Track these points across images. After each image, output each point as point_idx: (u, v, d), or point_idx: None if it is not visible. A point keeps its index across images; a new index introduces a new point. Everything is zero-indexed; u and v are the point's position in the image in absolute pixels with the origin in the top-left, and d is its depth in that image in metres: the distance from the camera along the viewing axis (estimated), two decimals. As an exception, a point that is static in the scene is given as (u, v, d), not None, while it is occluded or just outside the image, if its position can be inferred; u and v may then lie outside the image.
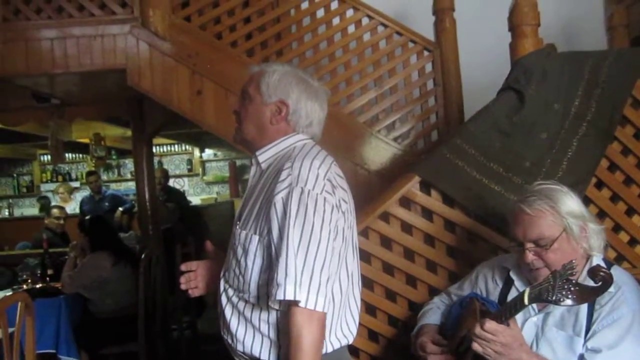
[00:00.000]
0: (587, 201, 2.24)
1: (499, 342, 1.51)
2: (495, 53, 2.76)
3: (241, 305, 1.54)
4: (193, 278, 1.79)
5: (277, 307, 1.45)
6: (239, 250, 1.54)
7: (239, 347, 1.55)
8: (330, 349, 1.52)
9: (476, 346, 1.54)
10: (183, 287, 1.78)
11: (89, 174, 7.20)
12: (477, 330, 1.52)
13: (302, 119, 1.61)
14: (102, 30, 3.33)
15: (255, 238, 1.50)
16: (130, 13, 3.34)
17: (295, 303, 1.38)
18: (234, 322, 1.55)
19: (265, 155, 1.62)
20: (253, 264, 1.50)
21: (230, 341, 1.58)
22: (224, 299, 1.59)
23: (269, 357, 1.51)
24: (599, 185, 2.28)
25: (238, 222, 1.58)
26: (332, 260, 1.44)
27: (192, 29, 3.37)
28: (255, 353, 1.52)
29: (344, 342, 1.57)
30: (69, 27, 3.32)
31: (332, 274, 1.46)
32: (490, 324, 1.51)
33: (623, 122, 2.28)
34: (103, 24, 3.33)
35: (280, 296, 1.38)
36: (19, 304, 2.55)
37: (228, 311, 1.57)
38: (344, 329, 1.56)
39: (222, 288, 1.60)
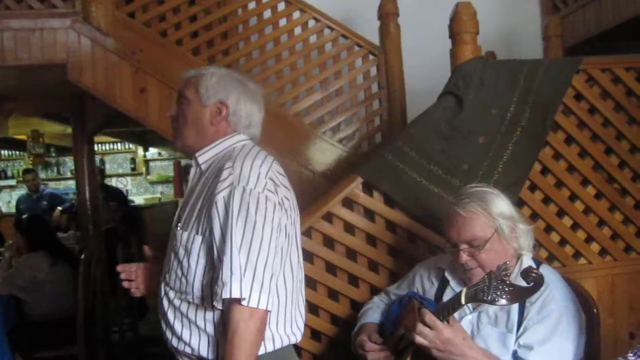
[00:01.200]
0: (521, 203, 2.34)
1: (439, 339, 1.54)
2: (438, 58, 2.83)
3: (184, 307, 1.53)
4: (134, 278, 1.78)
5: (220, 306, 1.44)
6: (181, 252, 1.53)
7: (187, 349, 1.54)
8: (278, 346, 1.53)
9: (419, 339, 1.57)
10: (126, 285, 1.76)
11: (26, 171, 6.94)
12: (419, 326, 1.56)
13: (242, 119, 1.63)
14: (42, 24, 3.22)
15: (198, 238, 1.49)
16: (72, 7, 3.24)
17: (237, 301, 1.39)
18: (177, 325, 1.54)
19: (205, 157, 1.62)
20: (197, 265, 1.49)
21: (175, 344, 1.56)
22: (165, 303, 1.57)
23: (217, 356, 1.50)
24: (532, 188, 2.38)
25: (179, 224, 1.58)
26: (275, 258, 1.46)
27: (137, 25, 3.31)
28: (204, 354, 1.51)
29: (292, 340, 1.58)
30: (6, 19, 3.18)
31: (276, 272, 1.47)
32: (430, 316, 1.55)
33: (555, 128, 2.40)
34: (43, 17, 3.21)
35: (226, 294, 1.38)
36: (-51, 306, 2.45)
37: (170, 314, 1.56)
38: (292, 326, 1.58)
39: (162, 292, 1.59)
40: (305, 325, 2.24)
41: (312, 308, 2.30)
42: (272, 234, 1.45)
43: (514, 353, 1.64)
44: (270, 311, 1.44)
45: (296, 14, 3.47)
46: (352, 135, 3.47)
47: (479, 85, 2.35)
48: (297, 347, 2.27)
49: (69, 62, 3.24)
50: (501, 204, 1.75)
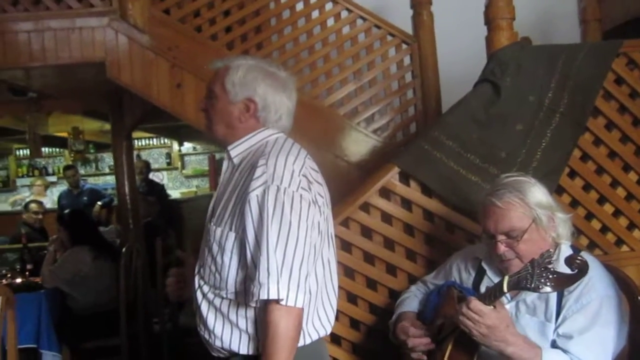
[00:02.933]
0: (560, 190, 2.32)
1: (484, 324, 1.53)
2: (472, 46, 2.81)
3: (217, 301, 1.53)
4: (173, 283, 1.78)
5: (254, 305, 1.45)
6: (215, 248, 1.53)
7: (217, 343, 1.54)
8: (308, 341, 1.54)
9: (462, 327, 1.56)
10: (169, 289, 1.78)
11: (67, 168, 7.13)
12: (464, 309, 1.55)
13: (271, 114, 1.59)
14: (80, 23, 3.30)
15: (232, 235, 1.49)
16: (109, 5, 3.31)
17: (275, 301, 1.39)
18: (210, 318, 1.54)
19: (237, 150, 1.61)
20: (230, 261, 1.49)
21: (207, 337, 1.57)
22: (199, 296, 1.58)
23: (247, 351, 1.51)
24: (572, 174, 2.35)
25: (212, 219, 1.57)
26: (309, 256, 1.46)
27: (172, 21, 3.37)
28: (234, 348, 1.52)
29: (322, 333, 1.59)
30: (46, 20, 3.29)
31: (311, 270, 1.48)
32: (475, 303, 1.54)
33: (595, 114, 2.35)
34: (81, 16, 3.30)
35: (264, 295, 1.38)
36: (0, 297, 2.55)
37: (204, 308, 1.56)
38: (322, 320, 1.58)
39: (196, 285, 1.59)
40: (344, 314, 2.30)
41: (350, 297, 2.31)
42: (307, 233, 1.45)
43: (553, 342, 1.63)
44: (303, 308, 1.44)
45: (329, 6, 3.47)
46: (386, 126, 3.47)
47: (516, 71, 2.32)
48: (337, 336, 2.31)
49: (107, 60, 3.31)
50: (538, 193, 1.73)
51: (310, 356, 1.54)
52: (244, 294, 1.47)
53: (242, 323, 1.50)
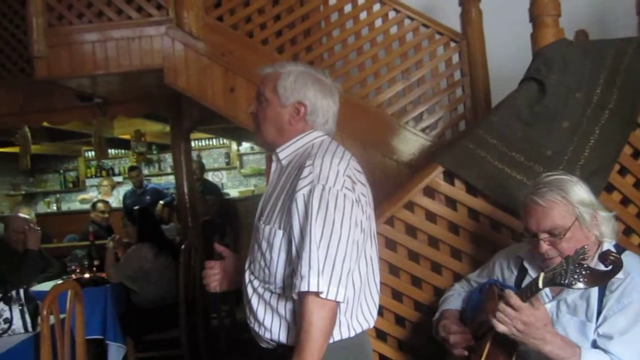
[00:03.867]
0: (610, 188, 2.28)
1: (520, 320, 1.52)
2: (522, 42, 2.77)
3: (267, 295, 1.61)
4: (211, 275, 1.83)
5: (296, 296, 1.52)
6: (264, 244, 1.61)
7: (267, 335, 1.62)
8: (352, 334, 1.61)
9: (498, 324, 1.55)
10: (206, 280, 1.84)
11: (131, 169, 7.47)
12: (501, 306, 1.55)
13: (319, 118, 1.68)
14: (140, 32, 3.49)
15: (280, 232, 1.57)
16: (166, 15, 3.48)
17: (314, 293, 1.46)
18: (260, 311, 1.62)
19: (285, 152, 1.69)
20: (278, 257, 1.57)
21: (257, 329, 1.64)
22: (249, 290, 1.66)
23: (294, 342, 1.55)
24: (623, 171, 2.30)
25: (261, 217, 1.65)
26: (352, 253, 1.52)
27: (225, 28, 3.50)
28: (282, 339, 1.60)
29: (365, 326, 1.65)
30: (108, 30, 3.49)
31: (352, 266, 1.54)
32: (515, 300, 1.53)
33: (646, 109, 2.30)
34: (140, 26, 3.49)
35: (304, 287, 1.45)
36: (69, 291, 2.74)
37: (254, 301, 1.64)
38: (365, 314, 1.64)
39: (247, 280, 1.67)
40: (390, 311, 2.34)
41: (396, 294, 2.36)
42: (350, 231, 1.51)
43: (593, 342, 1.62)
44: (341, 302, 1.51)
45: (376, 7, 3.51)
46: (435, 124, 3.48)
47: (562, 68, 2.30)
48: (382, 333, 2.36)
49: (164, 67, 3.49)
50: (580, 192, 1.72)
51: (354, 348, 1.62)
52: (290, 289, 1.54)
53: (289, 316, 1.58)
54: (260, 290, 1.63)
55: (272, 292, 1.61)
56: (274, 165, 1.73)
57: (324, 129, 1.71)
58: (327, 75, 1.76)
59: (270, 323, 1.61)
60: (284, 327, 1.59)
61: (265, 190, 1.74)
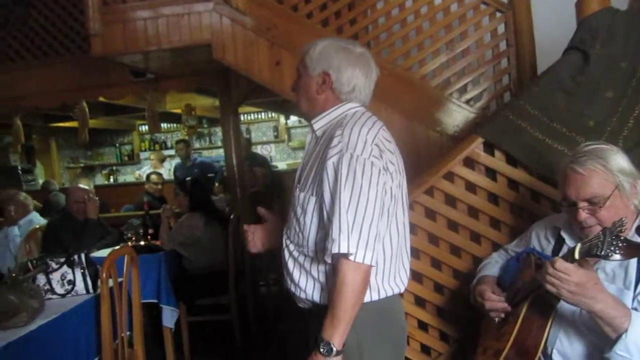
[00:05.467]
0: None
1: (572, 281, 1.51)
2: (568, 12, 2.74)
3: (301, 258, 1.71)
4: (251, 238, 1.93)
5: (330, 260, 1.59)
6: (299, 210, 1.69)
7: (302, 295, 1.72)
8: (383, 295, 1.69)
9: (549, 287, 1.55)
10: (248, 239, 1.93)
11: (178, 142, 7.69)
12: (550, 270, 1.54)
13: (344, 86, 1.73)
14: (189, 9, 3.58)
15: (313, 199, 1.65)
16: (214, -9, 3.57)
17: (345, 255, 1.54)
18: (296, 273, 1.72)
19: (319, 124, 1.77)
20: (311, 222, 1.66)
21: (293, 289, 1.75)
22: (286, 253, 1.75)
23: (327, 301, 1.64)
24: (668, 143, 2.27)
25: (298, 185, 1.74)
26: (380, 218, 1.59)
27: (270, 2, 3.55)
28: (316, 299, 1.69)
29: (397, 291, 1.72)
30: (159, 8, 3.60)
31: (381, 231, 1.61)
32: (561, 263, 1.52)
33: (695, 79, 2.25)
34: (189, 2, 3.57)
35: (335, 250, 1.53)
36: (125, 257, 2.91)
37: (290, 264, 1.74)
38: (396, 279, 1.72)
39: (284, 244, 1.77)
40: (429, 278, 2.41)
41: (435, 263, 2.42)
42: (377, 197, 1.58)
43: (634, 309, 1.62)
44: (373, 266, 1.58)
45: (421, -22, 3.49)
46: (479, 96, 3.46)
47: (607, 38, 2.27)
48: (422, 299, 2.43)
49: (213, 42, 3.57)
50: (620, 160, 1.72)
51: (384, 310, 1.70)
52: (322, 252, 1.62)
53: (322, 277, 1.67)
54: (295, 253, 1.72)
55: (305, 255, 1.70)
56: (309, 136, 1.81)
57: (354, 99, 1.76)
58: (358, 45, 1.80)
59: (305, 284, 1.70)
60: (318, 287, 1.68)
61: (302, 160, 1.82)
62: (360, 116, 1.70)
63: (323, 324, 1.56)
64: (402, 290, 1.75)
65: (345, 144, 1.60)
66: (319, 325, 1.58)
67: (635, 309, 1.63)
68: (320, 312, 1.62)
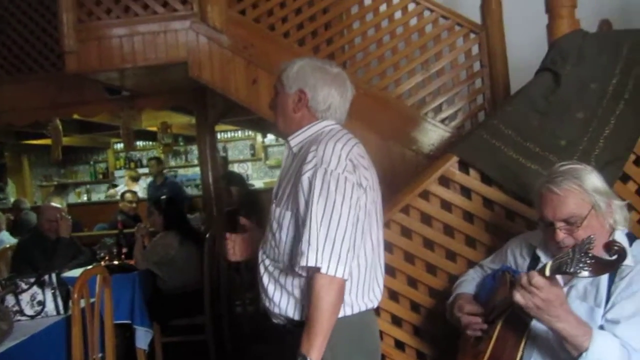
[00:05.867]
0: (625, 177, 2.29)
1: (541, 297, 1.53)
2: (541, 34, 2.80)
3: (276, 273, 1.74)
4: (231, 246, 1.97)
5: (303, 273, 1.63)
6: (274, 225, 1.73)
7: (276, 310, 1.75)
8: (357, 310, 1.71)
9: (518, 297, 1.57)
10: (227, 248, 1.97)
11: (150, 159, 7.62)
12: (524, 282, 1.55)
13: (320, 105, 1.78)
14: (165, 27, 3.57)
15: (288, 214, 1.69)
16: (190, 9, 3.56)
17: (317, 269, 1.57)
18: (270, 287, 1.75)
19: (295, 140, 1.80)
20: (286, 237, 1.69)
21: (267, 304, 1.77)
22: (261, 268, 1.78)
23: (301, 317, 1.70)
24: (638, 162, 2.31)
25: (274, 200, 1.77)
26: (352, 233, 1.62)
27: (247, 21, 3.57)
28: (289, 314, 1.72)
29: (370, 306, 1.75)
30: (135, 25, 3.59)
31: (353, 245, 1.63)
32: (538, 279, 1.54)
33: (662, 100, 2.31)
34: (166, 20, 3.57)
35: (302, 263, 1.57)
36: (98, 276, 2.86)
37: (266, 278, 1.77)
38: (370, 294, 1.75)
39: (260, 259, 1.80)
40: (405, 297, 2.41)
41: (410, 282, 2.42)
42: (350, 211, 1.61)
43: (601, 328, 1.64)
44: (347, 280, 1.61)
45: (396, -1, 3.55)
46: (454, 115, 3.51)
47: (577, 59, 2.32)
48: (398, 318, 2.42)
49: (189, 60, 3.57)
50: (595, 180, 1.74)
51: (358, 325, 1.72)
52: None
53: (296, 292, 1.70)
54: (271, 268, 1.75)
55: (280, 270, 1.73)
56: (286, 152, 1.85)
57: (329, 117, 1.80)
58: (334, 65, 1.85)
59: (279, 299, 1.73)
60: (292, 302, 1.71)
61: (278, 176, 1.85)
62: (335, 133, 1.73)
63: (300, 339, 1.58)
64: (375, 306, 1.78)
65: (319, 159, 1.64)
66: (294, 341, 1.60)
67: (602, 327, 1.64)
68: (294, 329, 1.66)
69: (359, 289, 1.70)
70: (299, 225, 1.64)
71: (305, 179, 1.64)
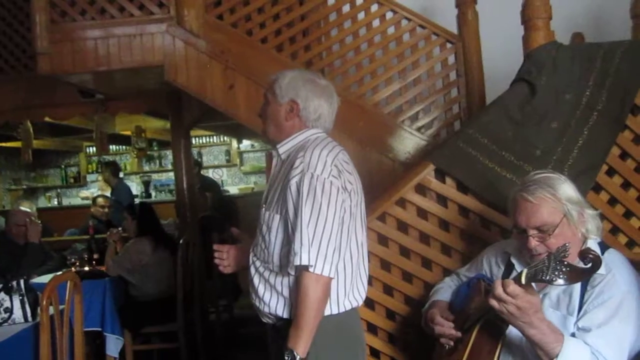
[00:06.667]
0: (598, 188, 2.33)
1: (516, 305, 1.54)
2: (517, 44, 2.82)
3: (267, 273, 1.83)
4: (225, 258, 2.05)
5: (293, 272, 1.73)
6: (264, 228, 1.83)
7: (266, 309, 1.84)
8: (342, 309, 1.80)
9: (493, 302, 1.58)
10: (217, 262, 2.04)
11: (105, 164, 7.50)
12: (498, 290, 1.56)
13: (311, 114, 1.89)
14: (141, 30, 3.53)
15: (277, 217, 1.79)
16: (167, 13, 3.53)
17: (305, 268, 1.67)
18: (261, 288, 1.84)
19: (284, 148, 1.90)
20: (275, 239, 1.79)
21: (258, 304, 1.86)
22: (252, 270, 1.88)
23: (289, 315, 1.78)
24: (611, 172, 2.35)
25: (264, 205, 1.88)
26: (338, 234, 1.71)
27: (225, 26, 3.55)
28: (279, 313, 1.81)
29: (355, 305, 1.85)
30: (111, 28, 3.54)
31: (339, 246, 1.73)
32: (513, 287, 1.55)
33: (635, 111, 2.35)
34: (142, 23, 3.53)
35: (297, 262, 1.67)
36: (68, 282, 2.79)
37: (256, 279, 1.86)
38: (355, 294, 1.84)
39: (251, 261, 1.89)
40: (381, 305, 2.40)
41: (386, 289, 2.41)
42: (335, 214, 1.71)
43: (572, 335, 1.66)
44: (332, 278, 1.70)
45: (374, 7, 3.56)
46: (430, 124, 3.53)
47: (552, 70, 2.35)
48: (373, 326, 2.42)
49: (165, 63, 3.53)
50: (568, 189, 1.77)
51: (344, 323, 1.82)
52: (286, 266, 1.75)
53: (285, 291, 1.79)
54: (261, 269, 1.85)
55: (270, 271, 1.82)
56: (274, 159, 1.94)
57: (318, 126, 1.91)
58: (323, 77, 1.99)
59: (269, 298, 1.82)
60: (281, 302, 1.80)
61: (268, 182, 1.96)
62: (321, 141, 1.84)
63: (288, 334, 1.68)
64: (359, 305, 1.88)
65: (306, 165, 1.74)
66: (282, 338, 1.71)
67: (573, 335, 1.66)
68: (282, 326, 1.77)
69: (345, 288, 1.79)
70: (288, 228, 1.74)
71: (293, 183, 1.73)
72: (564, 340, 1.59)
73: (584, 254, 1.52)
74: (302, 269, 1.68)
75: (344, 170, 1.78)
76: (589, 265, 1.51)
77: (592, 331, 1.62)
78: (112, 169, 7.03)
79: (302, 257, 1.66)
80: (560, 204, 1.74)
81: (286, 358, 1.67)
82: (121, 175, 9.77)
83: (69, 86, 4.40)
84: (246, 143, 10.01)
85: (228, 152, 10.13)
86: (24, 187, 10.05)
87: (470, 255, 2.33)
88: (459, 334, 1.87)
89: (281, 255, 1.78)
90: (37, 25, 3.51)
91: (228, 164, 10.13)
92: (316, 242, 1.67)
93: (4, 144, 7.65)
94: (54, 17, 3.54)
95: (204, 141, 10.00)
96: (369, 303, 2.40)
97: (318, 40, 3.62)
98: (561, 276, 1.48)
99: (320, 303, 1.69)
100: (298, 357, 1.66)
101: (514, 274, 1.88)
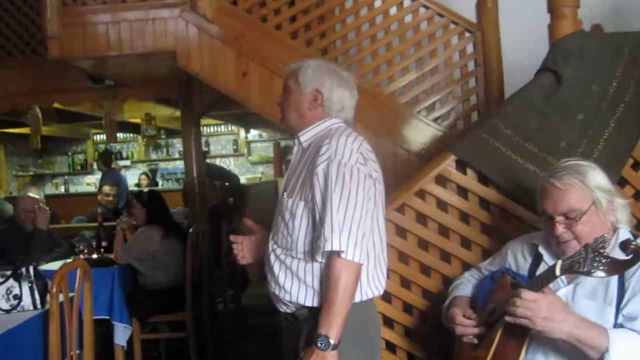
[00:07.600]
0: (623, 182, 2.27)
1: (543, 307, 1.52)
2: (537, 34, 2.76)
3: (288, 260, 1.81)
4: (240, 249, 2.04)
5: (320, 259, 1.73)
6: (287, 215, 1.82)
7: (287, 297, 1.82)
8: (365, 298, 1.81)
9: (524, 321, 1.54)
10: (235, 252, 2.04)
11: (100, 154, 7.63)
12: (518, 302, 1.54)
13: (334, 105, 1.89)
14: (154, 14, 3.48)
15: (302, 204, 1.79)
16: (181, -3, 3.47)
17: (337, 254, 1.67)
18: (282, 276, 1.82)
19: (306, 136, 1.90)
20: (300, 225, 1.79)
21: (277, 292, 1.84)
22: (272, 257, 1.86)
23: (312, 303, 1.78)
24: (636, 166, 2.29)
25: (285, 192, 1.87)
26: (366, 220, 1.73)
27: (239, 12, 3.49)
28: (300, 301, 1.80)
29: (376, 293, 1.86)
30: (122, 12, 3.48)
31: (367, 232, 1.74)
32: (527, 293, 1.53)
33: (662, 104, 2.28)
34: (154, 8, 3.47)
35: (328, 247, 1.67)
36: (78, 270, 2.75)
37: (276, 267, 1.84)
38: (376, 282, 1.85)
39: (270, 249, 1.87)
40: (398, 298, 2.35)
41: (404, 282, 2.36)
42: (364, 199, 1.72)
43: (620, 325, 1.61)
44: (362, 264, 1.71)
45: (391, -6, 3.49)
46: (447, 114, 3.47)
47: (579, 60, 2.28)
48: (389, 320, 2.37)
49: (177, 49, 3.48)
50: (598, 177, 1.74)
51: (362, 312, 1.81)
52: (311, 253, 1.76)
53: (308, 279, 1.78)
54: (282, 257, 1.83)
55: (293, 258, 1.81)
56: (295, 148, 1.94)
57: (340, 116, 1.91)
58: (344, 69, 2.01)
59: (290, 286, 1.81)
60: (303, 289, 1.79)
61: (288, 170, 1.97)
62: (344, 129, 1.85)
63: (317, 321, 1.69)
64: (380, 293, 1.88)
65: (333, 152, 1.74)
66: (303, 325, 1.77)
67: (622, 325, 1.61)
68: (302, 314, 1.80)
69: (367, 276, 1.80)
70: (313, 214, 1.75)
71: (320, 170, 1.73)
72: (609, 331, 1.55)
73: (626, 245, 1.48)
74: (334, 255, 1.68)
75: (369, 158, 1.79)
76: (630, 256, 1.46)
77: (638, 318, 1.57)
78: (103, 159, 7.51)
79: (334, 242, 1.66)
80: (588, 191, 1.71)
81: (319, 344, 1.67)
82: (128, 163, 9.81)
83: (78, 72, 4.35)
84: (254, 133, 9.96)
85: (236, 142, 10.09)
86: (31, 173, 10.05)
87: (491, 249, 2.28)
88: (478, 330, 1.82)
89: (306, 242, 1.78)
90: (48, 9, 3.45)
91: (235, 154, 10.10)
92: (347, 228, 1.67)
93: (11, 130, 7.61)
94: (65, 0, 3.48)
95: (212, 130, 9.96)
96: (385, 296, 2.34)
97: (333, 27, 3.55)
98: (601, 268, 1.46)
99: (352, 289, 1.70)
100: (332, 343, 1.67)
101: (543, 265, 1.84)
